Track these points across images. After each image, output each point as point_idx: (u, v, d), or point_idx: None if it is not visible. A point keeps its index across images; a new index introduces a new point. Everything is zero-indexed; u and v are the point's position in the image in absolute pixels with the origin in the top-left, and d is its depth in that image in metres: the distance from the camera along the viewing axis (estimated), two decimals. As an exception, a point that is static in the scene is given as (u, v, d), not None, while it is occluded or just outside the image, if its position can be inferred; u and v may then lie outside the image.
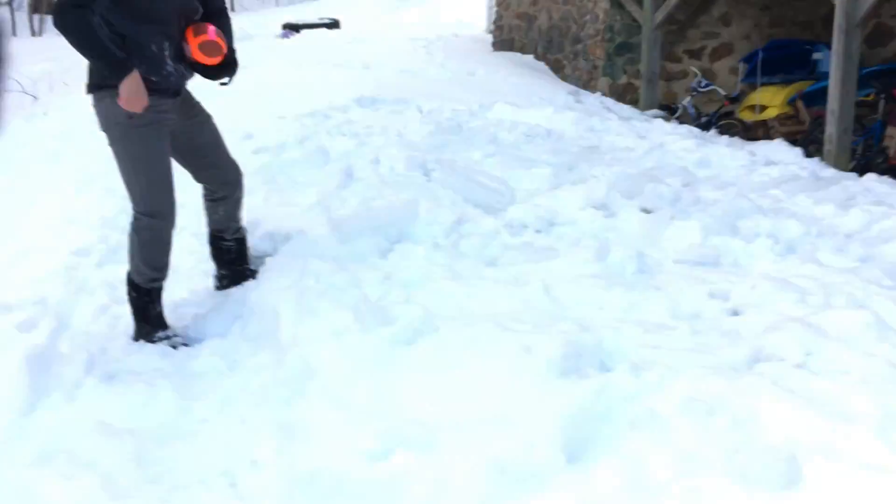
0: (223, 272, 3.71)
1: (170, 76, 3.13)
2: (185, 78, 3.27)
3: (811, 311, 2.84)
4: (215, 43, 3.13)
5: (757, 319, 2.84)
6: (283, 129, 6.46)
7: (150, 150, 3.14)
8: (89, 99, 3.18)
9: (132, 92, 2.96)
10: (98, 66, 3.00)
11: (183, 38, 3.13)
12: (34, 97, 9.13)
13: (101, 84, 3.06)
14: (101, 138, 3.29)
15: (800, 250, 3.58)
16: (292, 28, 15.93)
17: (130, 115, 3.02)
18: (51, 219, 4.99)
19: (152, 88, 3.04)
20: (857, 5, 5.83)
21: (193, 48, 3.12)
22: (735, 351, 2.60)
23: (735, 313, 2.99)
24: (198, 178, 3.53)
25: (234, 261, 3.71)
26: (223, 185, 3.54)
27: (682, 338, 2.75)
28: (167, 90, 3.15)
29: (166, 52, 3.10)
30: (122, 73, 2.94)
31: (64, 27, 2.89)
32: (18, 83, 9.27)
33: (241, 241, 3.76)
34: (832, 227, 3.92)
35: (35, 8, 23.47)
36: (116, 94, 2.97)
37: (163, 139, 3.19)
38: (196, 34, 3.12)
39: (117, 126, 3.09)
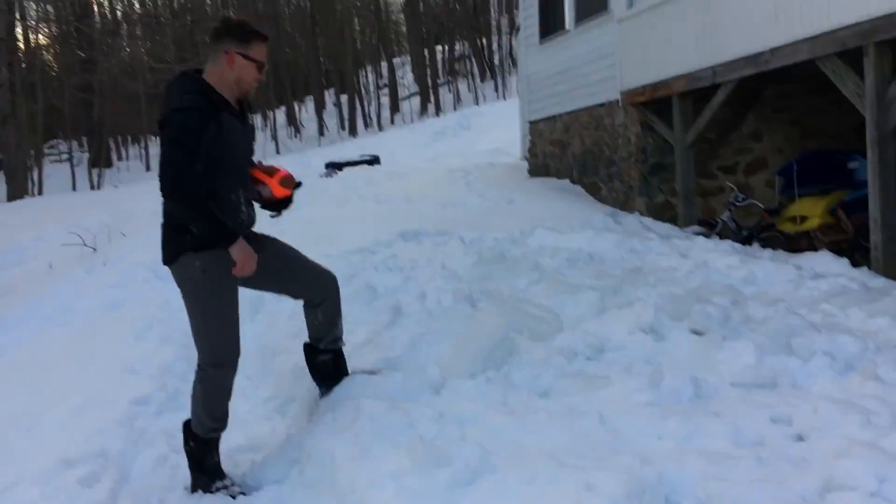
0: (322, 389, 3.74)
1: (243, 223, 3.30)
2: (253, 221, 3.42)
3: (879, 434, 2.76)
4: (290, 176, 3.31)
5: (823, 445, 2.77)
6: (331, 266, 6.57)
7: (221, 302, 3.25)
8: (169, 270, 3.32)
9: (244, 256, 3.13)
10: (206, 232, 3.11)
11: (253, 181, 3.32)
12: (94, 249, 9.52)
13: (178, 253, 3.21)
14: (158, 286, 3.44)
15: (859, 367, 3.50)
16: (335, 166, 16.56)
17: (204, 270, 3.15)
18: (110, 369, 5.11)
19: (226, 238, 3.15)
20: (888, 116, 5.92)
21: (274, 185, 3.29)
22: (805, 480, 2.53)
23: (800, 439, 2.92)
24: (294, 295, 3.66)
25: (331, 375, 3.74)
26: (317, 291, 3.63)
27: (749, 467, 2.69)
28: (243, 223, 3.32)
29: (241, 199, 3.29)
30: (231, 239, 3.10)
31: (180, 198, 3.06)
32: (79, 236, 9.70)
33: (338, 354, 3.79)
34: (890, 341, 3.85)
35: (94, 163, 24.74)
36: (224, 257, 3.13)
37: (233, 290, 3.31)
38: (271, 173, 3.32)
39: (191, 282, 3.21)
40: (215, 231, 3.09)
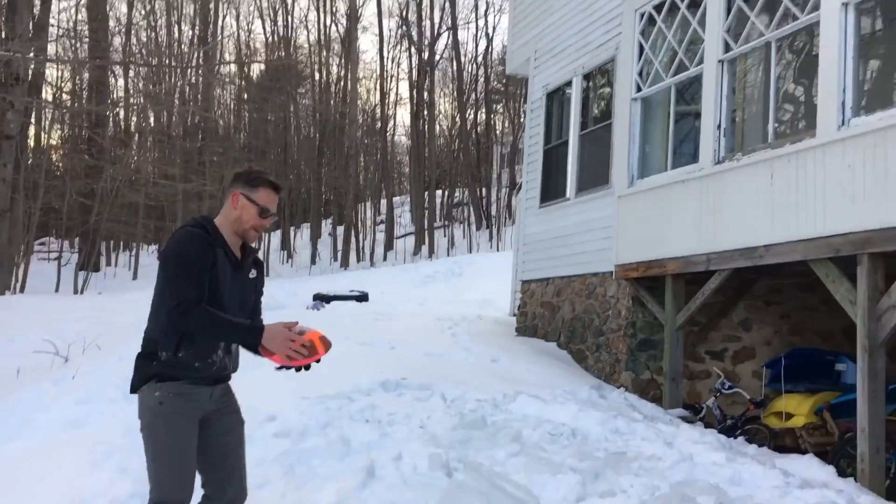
0: None
1: (213, 365, 3.21)
2: (227, 370, 3.32)
3: None
4: (326, 338, 3.14)
5: None
6: (307, 412, 6.44)
7: (174, 439, 3.15)
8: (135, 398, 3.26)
9: (280, 340, 3.04)
10: (235, 337, 3.13)
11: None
12: (65, 359, 9.29)
13: (142, 381, 3.17)
14: (125, 408, 3.32)
15: None
16: (323, 299, 16.49)
17: (161, 402, 3.09)
18: (59, 499, 4.83)
19: (191, 376, 3.15)
20: (880, 326, 5.96)
21: (319, 342, 3.10)
22: None
23: None
24: (205, 482, 3.39)
25: None
26: (229, 495, 3.36)
27: None
28: (205, 378, 3.21)
29: (220, 343, 3.21)
30: (258, 332, 3.06)
31: (194, 325, 3.05)
32: (52, 343, 9.48)
33: None
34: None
35: (82, 266, 24.65)
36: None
37: (191, 431, 3.18)
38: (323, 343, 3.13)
39: (149, 411, 3.16)
40: (243, 335, 3.09)
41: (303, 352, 3.07)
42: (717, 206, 7.73)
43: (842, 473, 6.02)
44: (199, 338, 3.11)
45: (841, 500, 4.84)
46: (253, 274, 3.40)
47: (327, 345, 3.11)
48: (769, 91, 7.44)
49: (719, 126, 7.86)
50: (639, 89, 9.19)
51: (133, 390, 3.23)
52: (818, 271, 6.56)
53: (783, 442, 7.53)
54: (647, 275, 8.77)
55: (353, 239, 39.41)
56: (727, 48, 7.85)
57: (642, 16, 9.21)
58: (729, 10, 7.84)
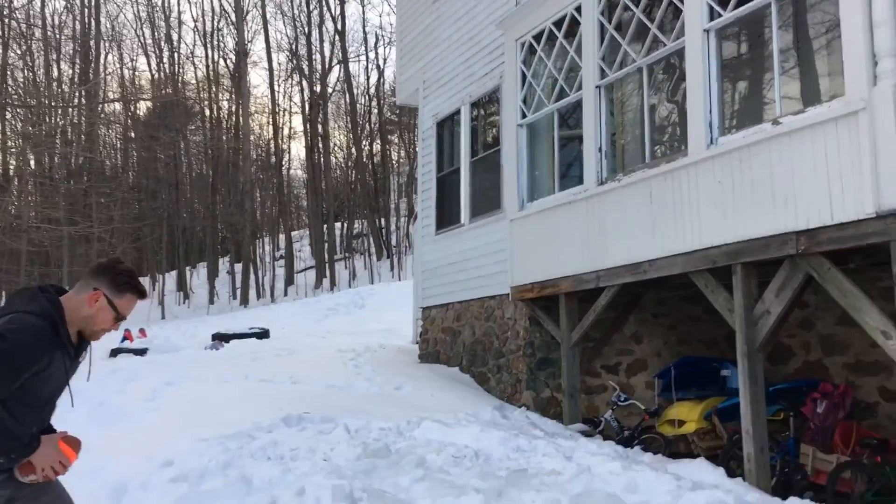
0: None
1: (15, 460, 2.93)
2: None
3: None
4: (75, 440, 3.09)
5: None
6: (205, 453, 6.30)
7: None
8: None
9: (50, 458, 2.90)
10: (6, 447, 2.84)
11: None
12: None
13: None
14: None
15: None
16: (222, 338, 16.15)
17: None
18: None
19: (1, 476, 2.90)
20: (756, 331, 6.32)
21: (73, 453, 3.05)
22: None
23: None
24: None
25: None
26: None
27: None
28: (8, 478, 2.94)
29: (29, 434, 2.95)
30: (32, 448, 2.87)
31: None
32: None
33: None
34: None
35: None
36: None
37: None
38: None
39: None
40: (21, 446, 2.85)
41: (63, 470, 2.97)
42: (602, 225, 8.04)
43: (731, 474, 6.31)
44: None
45: (730, 500, 5.08)
46: (81, 358, 3.17)
47: (77, 448, 3.04)
48: (644, 114, 7.83)
49: (600, 149, 8.20)
50: (524, 115, 9.49)
51: None
52: (698, 282, 6.91)
53: (678, 448, 7.84)
54: (541, 295, 9.01)
55: (251, 276, 38.68)
56: (603, 74, 8.22)
57: (523, 45, 9.54)
58: (603, 38, 8.23)
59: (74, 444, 3.01)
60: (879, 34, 5.19)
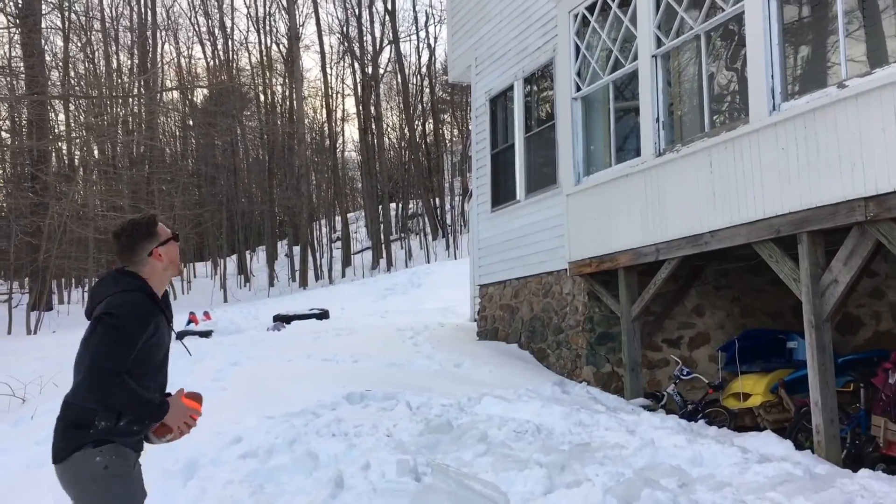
0: None
1: (149, 426, 3.14)
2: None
3: None
4: (196, 395, 3.24)
5: None
6: (272, 430, 6.43)
7: (131, 495, 3.09)
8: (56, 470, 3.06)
9: (180, 415, 3.09)
10: (142, 414, 3.05)
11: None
12: (23, 399, 9.11)
13: (74, 449, 2.99)
14: None
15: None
16: (283, 320, 16.42)
17: (106, 465, 2.97)
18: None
19: (126, 441, 3.06)
20: (823, 301, 6.17)
21: (197, 404, 3.23)
22: None
23: None
24: None
25: None
26: None
27: None
28: (137, 443, 3.14)
29: (162, 401, 3.16)
30: (165, 412, 3.06)
31: (110, 395, 2.95)
32: (8, 385, 9.29)
33: None
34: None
35: (34, 306, 24.13)
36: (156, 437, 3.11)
37: (139, 488, 3.15)
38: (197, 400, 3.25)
39: (94, 480, 2.99)
40: (152, 413, 3.04)
41: (193, 423, 3.14)
42: (661, 197, 7.91)
43: (799, 447, 6.20)
44: (112, 408, 3.00)
45: (798, 472, 5.00)
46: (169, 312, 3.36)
47: (200, 401, 3.22)
48: (702, 82, 7.66)
49: (658, 119, 8.05)
50: (578, 89, 9.37)
51: (59, 460, 3.00)
52: (762, 253, 6.76)
53: (743, 422, 7.72)
54: (600, 269, 8.93)
55: (309, 258, 39.21)
56: (659, 43, 8.06)
57: (576, 17, 9.40)
58: (658, 6, 8.05)
59: (196, 398, 3.21)
60: (952, -11, 4.97)
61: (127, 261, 3.24)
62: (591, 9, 9.16)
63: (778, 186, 6.44)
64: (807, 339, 6.29)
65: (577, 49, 9.41)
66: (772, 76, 6.53)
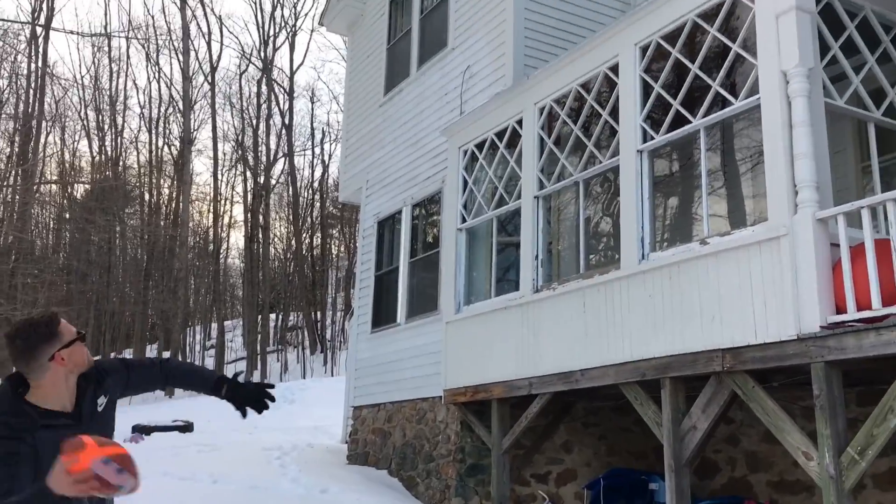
0: None
1: None
2: None
3: None
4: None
5: None
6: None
7: None
8: None
9: (62, 480, 2.55)
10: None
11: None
12: None
13: None
14: None
15: None
16: (142, 430, 15.53)
17: None
18: None
19: None
20: (683, 446, 6.38)
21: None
22: None
23: None
24: None
25: None
26: None
27: None
28: None
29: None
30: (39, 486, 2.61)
31: None
32: None
33: None
34: None
35: None
36: None
37: None
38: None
39: None
40: None
41: (88, 474, 2.52)
42: (536, 333, 8.12)
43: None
44: None
45: None
46: (101, 401, 3.03)
47: (80, 448, 2.66)
48: (580, 225, 8.06)
49: (537, 257, 8.37)
50: (464, 220, 9.66)
51: None
52: (628, 394, 6.98)
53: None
54: (474, 399, 8.96)
55: (179, 365, 37.48)
56: (541, 185, 8.47)
57: (465, 152, 9.80)
58: (542, 151, 8.52)
59: (75, 446, 2.53)
60: (799, 165, 5.51)
61: (24, 367, 2.86)
62: (480, 146, 9.58)
63: (645, 331, 6.74)
64: (667, 482, 6.45)
65: (465, 182, 9.76)
66: (642, 227, 6.95)
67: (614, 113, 7.50)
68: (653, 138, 7.03)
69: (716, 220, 7.09)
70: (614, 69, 7.54)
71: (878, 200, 5.13)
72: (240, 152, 42.85)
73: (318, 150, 60.89)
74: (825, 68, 6.05)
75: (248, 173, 41.96)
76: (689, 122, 6.67)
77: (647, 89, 7.17)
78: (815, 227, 5.37)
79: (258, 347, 38.36)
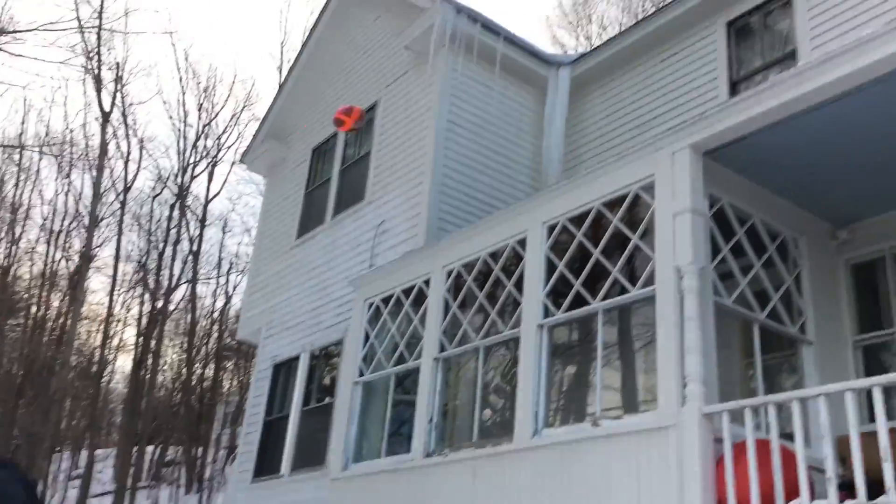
0: None
1: None
2: None
3: None
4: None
5: None
6: None
7: None
8: None
9: None
10: None
11: None
12: None
13: None
14: None
15: None
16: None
17: None
18: None
19: None
20: None
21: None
22: None
23: None
24: None
25: None
26: None
27: None
28: None
29: None
30: None
31: None
32: None
33: None
34: None
35: None
36: None
37: None
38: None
39: None
40: None
41: None
42: (425, 499, 7.87)
43: None
44: None
45: None
46: None
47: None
48: (477, 392, 8.04)
49: (431, 420, 8.26)
50: (362, 374, 9.52)
51: None
52: None
53: None
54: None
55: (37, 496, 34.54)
56: (442, 348, 8.49)
57: (371, 305, 9.80)
58: (446, 314, 8.60)
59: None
60: (689, 360, 5.71)
61: None
62: (386, 301, 9.61)
63: (532, 509, 6.63)
64: None
65: (367, 336, 9.69)
66: (537, 403, 7.00)
67: (519, 284, 7.70)
68: (554, 314, 7.21)
69: (611, 395, 7.20)
70: (522, 243, 7.81)
71: (760, 402, 5.34)
72: (141, 274, 41.71)
73: (222, 281, 59.97)
74: (716, 267, 6.43)
75: (147, 296, 40.70)
76: (589, 303, 6.89)
77: (551, 266, 7.43)
78: (701, 421, 5.51)
79: (129, 482, 35.81)
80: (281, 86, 14.70)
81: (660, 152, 6.56)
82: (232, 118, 41.04)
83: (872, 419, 4.81)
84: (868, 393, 4.93)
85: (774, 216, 7.02)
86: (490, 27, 10.94)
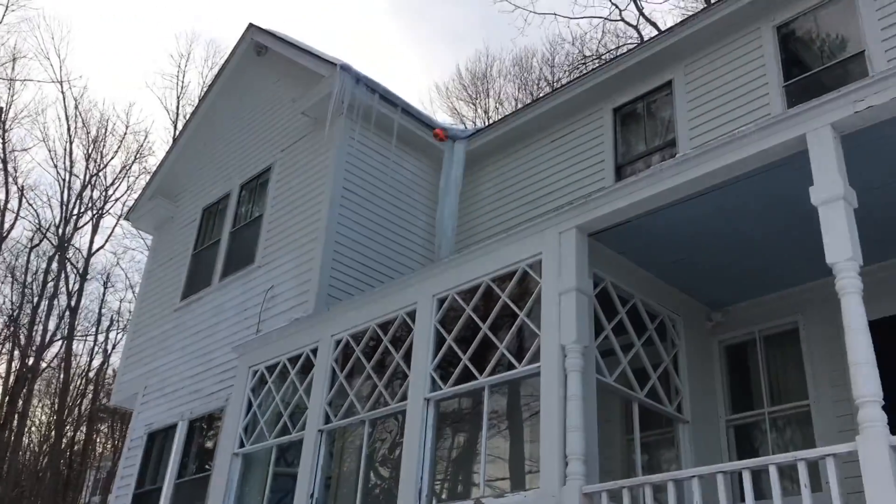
0: None
1: None
2: None
3: None
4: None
5: None
6: None
7: None
8: None
9: None
10: None
11: None
12: None
13: None
14: None
15: None
16: None
17: None
18: None
19: None
20: None
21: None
22: None
23: None
24: None
25: None
26: None
27: None
28: None
29: None
30: None
31: None
32: None
33: None
34: None
35: None
36: None
37: None
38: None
39: None
40: None
41: None
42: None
43: None
44: None
45: None
46: None
47: None
48: (361, 465, 7.85)
49: (312, 495, 8.00)
50: (242, 444, 9.17)
51: None
52: None
53: None
54: None
55: None
56: (328, 419, 8.29)
57: (255, 373, 9.51)
58: (333, 384, 8.42)
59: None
60: (571, 438, 5.77)
61: None
62: (271, 369, 9.35)
63: (412, 590, 6.46)
64: None
65: (250, 405, 9.37)
66: (421, 478, 6.89)
67: (408, 356, 7.64)
68: (441, 388, 7.17)
69: (498, 468, 7.16)
70: (412, 315, 7.78)
71: (637, 482, 5.42)
72: (12, 329, 39.26)
73: (101, 338, 57.27)
74: (599, 345, 6.57)
75: (17, 353, 38.28)
76: (476, 378, 6.90)
77: (440, 339, 7.42)
78: (582, 500, 5.54)
79: (-18, 555, 32.98)
80: (174, 141, 14.38)
81: (547, 231, 6.72)
82: (122, 170, 39.74)
83: (743, 498, 4.96)
84: (739, 474, 5.09)
85: (654, 297, 7.28)
86: (388, 98, 11.09)
